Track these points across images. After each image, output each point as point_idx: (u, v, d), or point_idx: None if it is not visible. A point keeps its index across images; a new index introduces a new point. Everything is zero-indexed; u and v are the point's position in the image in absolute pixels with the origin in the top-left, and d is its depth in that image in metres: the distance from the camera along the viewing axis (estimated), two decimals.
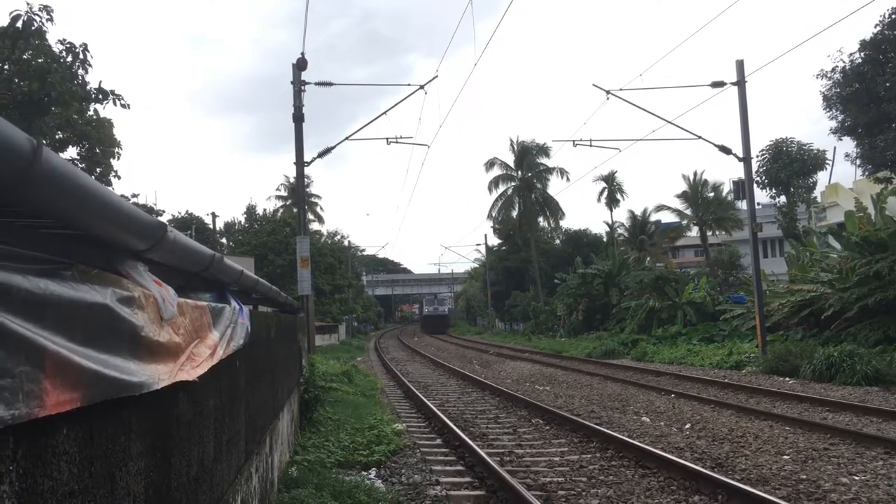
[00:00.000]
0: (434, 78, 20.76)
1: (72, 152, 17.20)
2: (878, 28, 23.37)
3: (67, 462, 1.73)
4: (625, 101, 22.73)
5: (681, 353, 26.26)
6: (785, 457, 9.52)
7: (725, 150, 23.16)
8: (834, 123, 25.23)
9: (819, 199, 42.79)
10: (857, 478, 8.29)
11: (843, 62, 24.24)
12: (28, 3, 13.87)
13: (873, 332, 19.80)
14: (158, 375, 2.29)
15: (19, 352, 1.42)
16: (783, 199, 37.40)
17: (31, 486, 1.53)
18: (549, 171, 60.65)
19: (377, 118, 21.67)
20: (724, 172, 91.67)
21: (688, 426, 12.13)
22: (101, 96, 15.47)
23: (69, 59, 14.71)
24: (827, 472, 8.57)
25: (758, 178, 35.67)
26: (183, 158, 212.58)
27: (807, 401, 14.20)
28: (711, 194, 46.57)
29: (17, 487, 1.47)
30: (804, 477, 8.35)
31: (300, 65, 19.00)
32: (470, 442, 10.56)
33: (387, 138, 21.95)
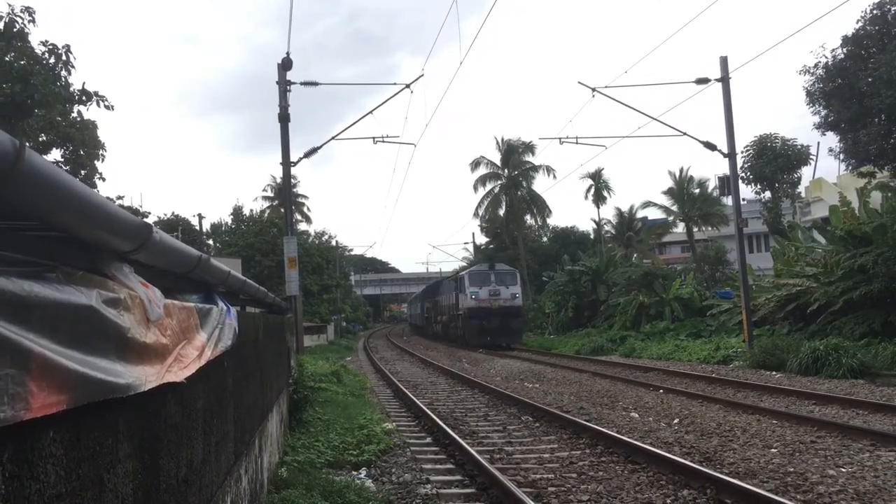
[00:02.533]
0: (420, 77, 20.81)
1: (56, 154, 17.09)
2: (860, 24, 23.58)
3: (54, 465, 1.72)
4: (610, 98, 22.83)
5: (669, 348, 26.39)
6: (773, 450, 9.59)
7: (710, 147, 23.30)
8: (817, 119, 25.42)
9: (803, 195, 43.12)
10: (843, 470, 8.37)
11: (826, 58, 24.42)
12: (10, 5, 13.77)
13: (858, 325, 19.98)
14: (146, 377, 2.28)
15: (4, 354, 1.41)
16: (768, 194, 37.63)
17: (17, 490, 1.52)
18: (536, 168, 60.82)
19: (363, 117, 21.74)
20: (710, 168, 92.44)
21: (676, 421, 12.19)
22: (84, 98, 15.38)
23: (52, 60, 14.60)
24: (814, 465, 8.64)
25: (743, 174, 35.88)
26: (169, 159, 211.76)
27: (793, 394, 14.31)
28: (697, 190, 46.86)
29: (3, 491, 1.46)
30: (792, 470, 8.42)
31: (285, 65, 18.96)
32: (460, 440, 10.57)
33: (373, 138, 21.95)
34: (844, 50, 23.80)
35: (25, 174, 1.52)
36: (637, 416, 13.06)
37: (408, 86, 20.51)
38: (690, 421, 12.06)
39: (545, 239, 66.20)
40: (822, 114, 25.06)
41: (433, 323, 53.82)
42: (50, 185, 1.67)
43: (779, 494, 7.32)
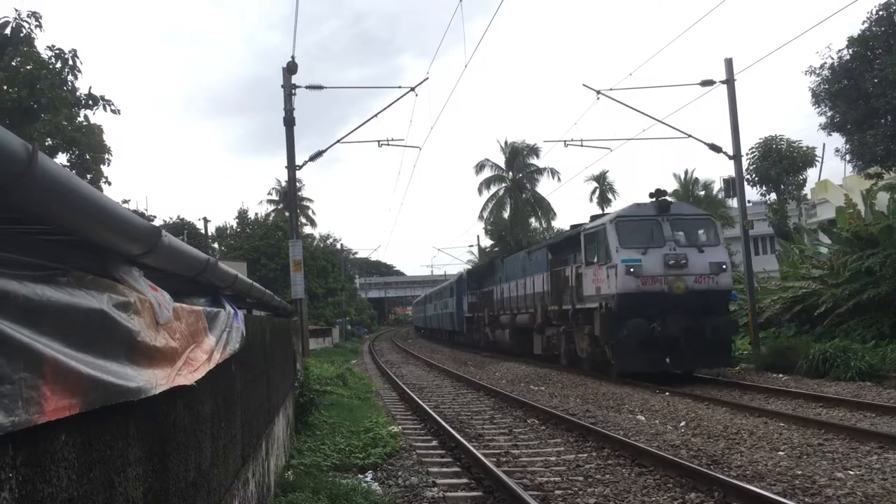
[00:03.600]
0: (424, 80, 20.84)
1: (62, 158, 17.12)
2: (866, 24, 23.50)
3: (66, 468, 1.72)
4: (615, 100, 22.81)
5: None
6: (780, 453, 9.55)
7: (716, 149, 23.25)
8: (823, 120, 25.36)
9: (809, 196, 43.01)
10: (851, 472, 8.33)
11: (832, 59, 24.33)
12: (17, 10, 13.81)
13: (866, 328, 19.90)
14: (156, 381, 2.28)
15: (18, 358, 1.41)
16: (773, 196, 37.55)
17: (30, 493, 1.53)
18: (540, 171, 60.83)
19: (368, 121, 21.72)
20: (715, 170, 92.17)
21: (683, 424, 12.16)
22: (90, 102, 15.41)
23: (58, 65, 14.64)
24: (822, 468, 8.60)
25: (748, 176, 35.79)
26: (174, 163, 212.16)
27: (801, 397, 14.26)
28: (702, 192, 46.87)
29: (16, 494, 1.46)
30: (799, 472, 8.38)
31: (290, 68, 19.02)
32: (466, 443, 10.55)
33: (378, 141, 21.99)
34: (850, 51, 23.72)
35: (38, 178, 1.53)
36: (643, 418, 13.03)
37: (412, 89, 20.55)
38: (697, 424, 12.02)
39: None
40: (828, 115, 24.97)
41: (486, 327, 34.68)
42: (62, 188, 1.68)
43: (787, 497, 7.29)
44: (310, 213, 70.33)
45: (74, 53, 14.87)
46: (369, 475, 9.32)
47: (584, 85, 23.96)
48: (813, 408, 13.14)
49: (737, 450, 9.85)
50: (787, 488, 7.78)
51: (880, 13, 23.16)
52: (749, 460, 9.14)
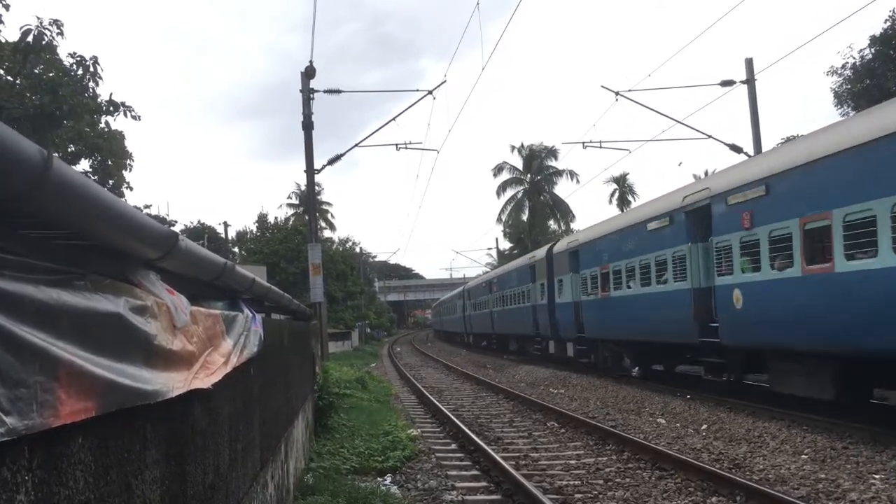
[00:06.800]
0: (442, 83, 20.79)
1: (84, 164, 17.32)
2: (888, 23, 23.23)
3: (83, 471, 1.73)
4: (634, 101, 22.67)
5: None
6: (803, 456, 9.43)
7: (736, 149, 23.04)
8: None
9: None
10: (876, 477, 8.21)
11: (854, 58, 24.11)
12: (38, 18, 13.99)
13: None
14: (172, 384, 2.29)
15: (34, 362, 1.42)
16: None
17: (46, 496, 1.54)
18: (559, 173, 60.74)
19: (386, 124, 21.78)
20: None
21: (704, 427, 12.05)
22: (112, 108, 15.58)
23: (80, 72, 14.82)
24: (846, 471, 8.48)
25: None
26: (195, 167, 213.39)
27: (823, 401, 14.04)
28: None
29: (32, 497, 1.47)
30: (823, 476, 8.27)
31: (308, 73, 19.11)
32: (485, 446, 10.53)
33: (396, 144, 22.02)
34: (872, 50, 23.47)
35: (54, 183, 1.54)
36: (664, 422, 12.92)
37: (430, 92, 20.58)
38: (719, 427, 11.90)
39: None
40: (851, 115, 24.73)
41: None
42: (78, 193, 1.69)
43: (810, 502, 7.20)
44: (329, 216, 70.78)
45: (95, 60, 15.05)
46: (388, 478, 9.33)
47: (602, 86, 23.82)
48: (836, 411, 12.94)
49: (759, 453, 9.74)
50: (811, 492, 7.69)
51: None
52: (772, 464, 9.04)
